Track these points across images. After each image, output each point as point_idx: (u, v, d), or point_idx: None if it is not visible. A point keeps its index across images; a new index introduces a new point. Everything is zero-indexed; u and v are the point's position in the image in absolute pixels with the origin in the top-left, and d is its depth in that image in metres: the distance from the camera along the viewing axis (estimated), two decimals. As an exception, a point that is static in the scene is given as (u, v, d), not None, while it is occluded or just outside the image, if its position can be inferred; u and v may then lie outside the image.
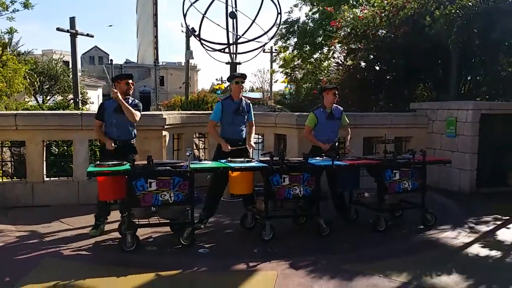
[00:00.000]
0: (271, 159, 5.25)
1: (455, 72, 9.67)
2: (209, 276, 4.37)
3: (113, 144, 5.41)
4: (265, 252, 4.93)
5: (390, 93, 11.42)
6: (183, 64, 42.79)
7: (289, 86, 22.80)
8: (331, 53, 15.16)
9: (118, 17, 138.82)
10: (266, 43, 9.67)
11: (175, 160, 6.86)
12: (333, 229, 5.49)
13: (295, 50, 18.14)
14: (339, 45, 12.36)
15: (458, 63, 9.61)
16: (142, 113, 5.77)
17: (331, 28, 14.46)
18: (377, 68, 11.62)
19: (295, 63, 17.75)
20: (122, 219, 5.28)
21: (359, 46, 11.17)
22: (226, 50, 9.21)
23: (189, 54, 27.18)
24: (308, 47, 17.66)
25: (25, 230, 5.59)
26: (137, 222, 5.02)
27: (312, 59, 17.18)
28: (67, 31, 18.86)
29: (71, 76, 23.90)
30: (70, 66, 22.49)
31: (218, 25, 9.02)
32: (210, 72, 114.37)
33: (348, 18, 11.40)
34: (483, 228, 5.97)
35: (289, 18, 19.05)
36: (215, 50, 9.37)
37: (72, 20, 19.07)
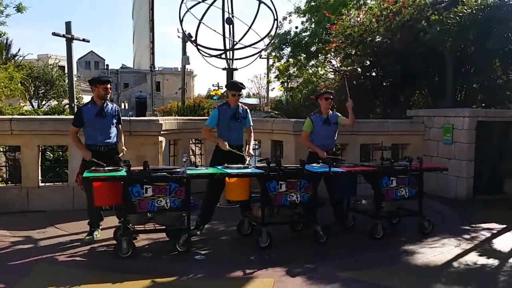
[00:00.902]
0: (268, 166, 5.24)
1: (451, 79, 9.70)
2: (205, 283, 4.34)
3: (90, 156, 5.32)
4: (262, 258, 4.90)
5: (386, 99, 11.43)
6: (179, 69, 42.85)
7: (285, 93, 22.80)
8: (326, 61, 15.16)
9: (114, 22, 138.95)
10: (262, 49, 9.69)
11: (171, 166, 6.83)
12: (330, 235, 5.47)
13: (290, 59, 18.12)
14: (335, 52, 12.34)
15: (454, 70, 9.64)
16: (138, 118, 5.78)
17: (327, 38, 14.45)
18: (374, 74, 11.63)
19: (291, 71, 17.71)
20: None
21: (356, 51, 11.19)
22: (223, 56, 9.21)
23: (185, 59, 27.27)
24: (303, 56, 17.64)
25: (19, 236, 5.55)
26: (133, 228, 4.98)
27: (308, 67, 17.15)
28: (63, 36, 18.77)
29: (66, 81, 23.84)
30: (66, 71, 22.41)
31: (215, 31, 9.02)
32: (207, 78, 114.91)
33: (346, 22, 11.42)
34: (480, 236, 5.97)
35: (280, 31, 18.95)
36: (211, 56, 9.36)
37: (68, 25, 19.00)
